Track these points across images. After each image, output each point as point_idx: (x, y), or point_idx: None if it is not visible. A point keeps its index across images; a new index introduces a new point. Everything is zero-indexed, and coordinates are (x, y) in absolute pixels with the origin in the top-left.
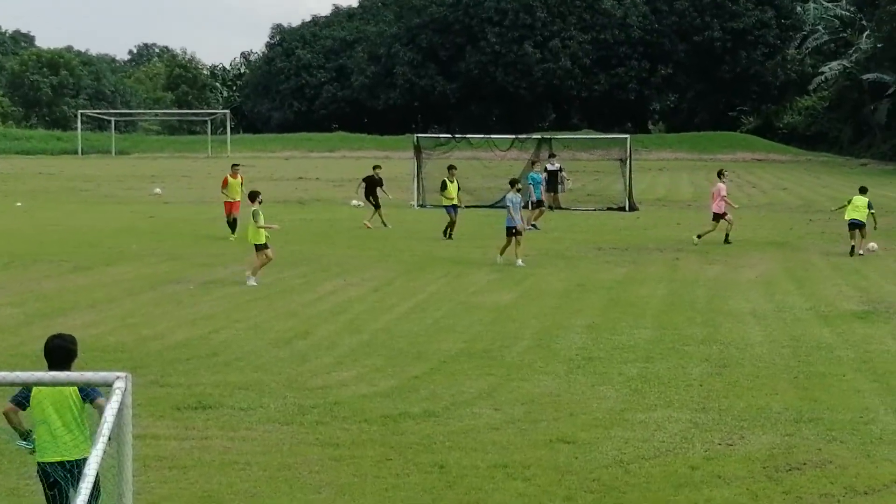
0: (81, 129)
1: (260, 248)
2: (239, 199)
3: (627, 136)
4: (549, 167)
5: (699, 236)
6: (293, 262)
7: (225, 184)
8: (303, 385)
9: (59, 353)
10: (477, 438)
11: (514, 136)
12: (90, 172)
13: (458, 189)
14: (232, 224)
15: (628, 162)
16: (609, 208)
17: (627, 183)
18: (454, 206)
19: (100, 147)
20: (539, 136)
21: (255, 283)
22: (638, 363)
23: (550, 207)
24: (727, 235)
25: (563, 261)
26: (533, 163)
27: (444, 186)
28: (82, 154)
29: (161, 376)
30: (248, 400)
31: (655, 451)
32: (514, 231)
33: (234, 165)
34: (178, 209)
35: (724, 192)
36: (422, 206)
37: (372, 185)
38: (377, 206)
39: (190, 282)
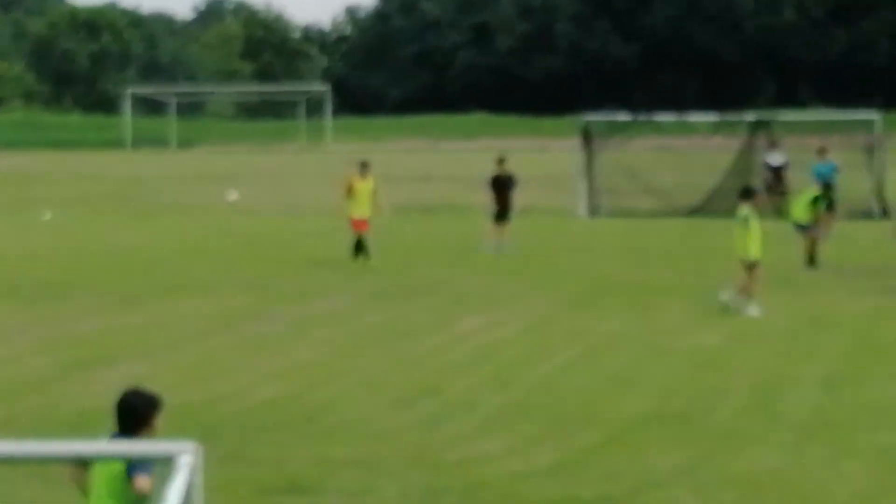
0: (131, 114)
1: (752, 264)
2: (369, 215)
3: (876, 115)
4: (771, 162)
5: None
6: (417, 291)
7: (349, 189)
8: (433, 460)
9: (124, 414)
10: None
11: (719, 117)
12: (143, 172)
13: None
14: (363, 246)
15: (878, 151)
16: (852, 215)
17: (877, 180)
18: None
19: (155, 137)
20: (754, 118)
21: (756, 313)
22: (895, 429)
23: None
24: None
25: (789, 288)
26: (822, 152)
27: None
28: (132, 147)
29: (241, 448)
30: (358, 481)
31: None
32: None
33: (363, 164)
34: (261, 221)
35: None
36: (592, 213)
37: (501, 187)
38: (504, 217)
39: (279, 320)
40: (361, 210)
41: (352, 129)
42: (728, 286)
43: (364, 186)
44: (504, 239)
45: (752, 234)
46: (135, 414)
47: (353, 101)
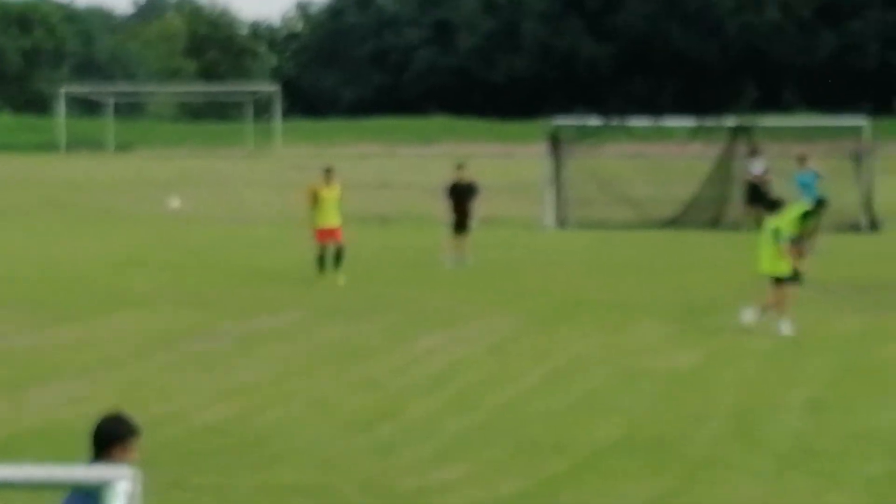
0: (65, 115)
1: (782, 281)
2: (338, 224)
3: (864, 121)
4: (752, 170)
5: None
6: (373, 308)
7: (313, 198)
8: (389, 488)
9: (92, 440)
10: None
11: (697, 123)
12: (78, 177)
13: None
14: (336, 258)
15: (866, 159)
16: (839, 228)
17: (866, 190)
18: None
19: (91, 140)
20: (734, 123)
21: (788, 330)
22: (884, 459)
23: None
24: None
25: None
26: (802, 160)
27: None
28: (67, 150)
29: (182, 475)
30: None
31: None
32: None
33: (327, 171)
34: (205, 230)
35: None
36: (560, 225)
37: (460, 196)
38: (463, 228)
39: (223, 337)
40: (327, 219)
41: (303, 133)
42: (749, 307)
43: (329, 194)
44: (464, 252)
45: (782, 247)
46: (97, 440)
47: (305, 102)
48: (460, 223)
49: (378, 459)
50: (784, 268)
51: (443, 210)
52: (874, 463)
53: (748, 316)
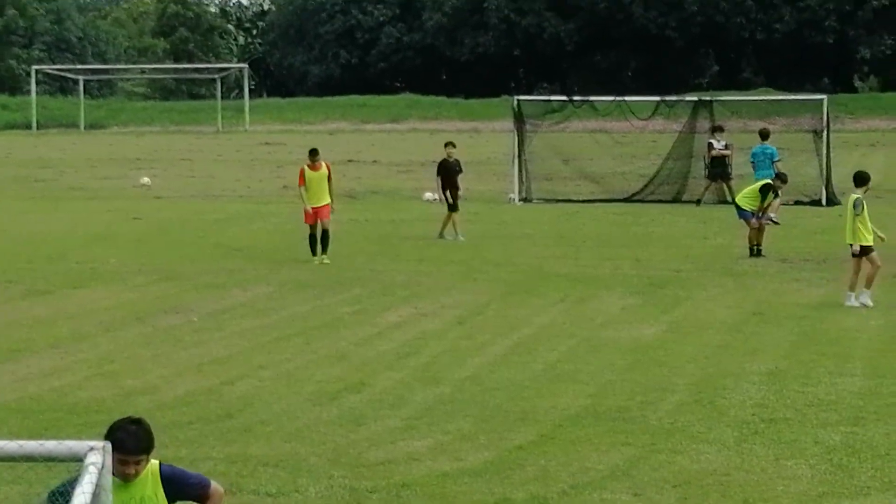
0: (36, 93)
1: (865, 251)
2: (328, 203)
3: (824, 96)
4: (714, 146)
5: None
6: (341, 282)
7: (302, 178)
8: (356, 459)
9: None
10: None
11: (658, 99)
12: (50, 155)
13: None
14: (321, 240)
15: (825, 134)
16: (798, 202)
17: (824, 165)
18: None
19: (63, 118)
20: (696, 98)
21: (869, 302)
22: (843, 426)
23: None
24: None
25: (731, 278)
26: (764, 135)
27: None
28: (38, 129)
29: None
30: (276, 481)
31: None
32: None
33: (312, 151)
34: (175, 206)
35: None
36: (525, 199)
37: (448, 174)
38: (453, 207)
39: (193, 311)
40: (314, 199)
41: (271, 111)
42: (849, 293)
43: (315, 175)
44: (456, 228)
45: (865, 219)
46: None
47: (273, 81)
48: (452, 200)
49: (346, 431)
50: (866, 239)
51: (433, 187)
52: (832, 430)
53: (851, 300)
